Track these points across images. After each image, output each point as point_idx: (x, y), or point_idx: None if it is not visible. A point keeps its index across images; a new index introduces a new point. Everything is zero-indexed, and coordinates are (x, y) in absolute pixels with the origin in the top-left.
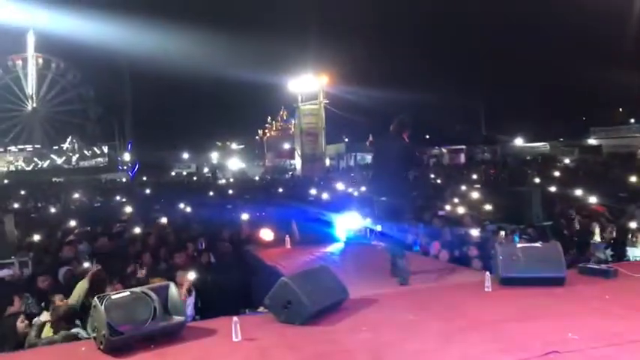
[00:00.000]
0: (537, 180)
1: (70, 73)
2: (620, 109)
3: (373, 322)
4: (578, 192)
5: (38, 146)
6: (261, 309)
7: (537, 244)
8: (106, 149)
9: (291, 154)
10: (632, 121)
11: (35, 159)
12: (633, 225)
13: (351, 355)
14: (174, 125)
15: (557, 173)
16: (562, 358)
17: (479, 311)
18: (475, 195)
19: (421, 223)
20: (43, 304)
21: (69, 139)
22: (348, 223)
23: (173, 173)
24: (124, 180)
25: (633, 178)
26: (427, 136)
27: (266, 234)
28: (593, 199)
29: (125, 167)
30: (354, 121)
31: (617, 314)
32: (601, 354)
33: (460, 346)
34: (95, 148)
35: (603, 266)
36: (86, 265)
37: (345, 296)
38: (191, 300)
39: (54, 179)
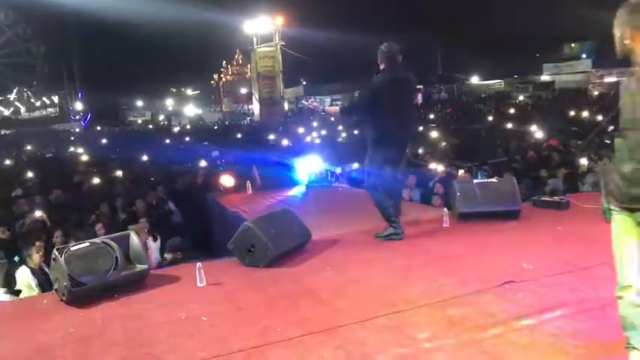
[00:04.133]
0: (492, 118)
1: (8, 14)
2: (572, 45)
3: (336, 261)
4: (533, 128)
5: None
6: None
7: (493, 180)
8: (56, 99)
9: (248, 99)
10: (584, 56)
11: None
12: (584, 161)
13: (314, 294)
14: (127, 73)
15: (512, 110)
16: (517, 286)
17: (438, 246)
18: (433, 134)
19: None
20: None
21: (16, 90)
22: (309, 167)
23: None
24: (77, 130)
25: (584, 113)
26: None
27: (226, 180)
28: (546, 135)
29: (77, 117)
30: (311, 63)
31: (569, 243)
32: (554, 281)
33: (421, 280)
34: (45, 98)
35: (556, 198)
36: (38, 214)
37: (308, 238)
38: (156, 246)
39: (3, 131)
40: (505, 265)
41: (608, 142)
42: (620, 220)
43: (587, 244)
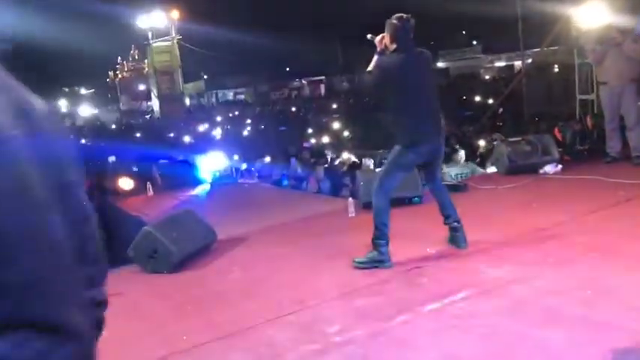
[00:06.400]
0: None
1: None
2: (464, 32)
3: (243, 260)
4: None
5: None
6: None
7: None
8: None
9: (147, 96)
10: (474, 43)
11: None
12: (482, 143)
13: (221, 296)
14: (12, 73)
15: None
16: (422, 272)
17: (344, 237)
18: (336, 125)
19: (288, 156)
20: None
21: None
22: (212, 164)
23: None
24: None
25: (477, 97)
26: (287, 69)
27: (125, 183)
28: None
29: None
30: (212, 56)
31: (467, 225)
32: (455, 264)
33: (328, 273)
34: None
35: (454, 182)
36: None
37: (213, 238)
38: None
39: None
40: (409, 251)
41: (500, 124)
42: None
43: (485, 225)
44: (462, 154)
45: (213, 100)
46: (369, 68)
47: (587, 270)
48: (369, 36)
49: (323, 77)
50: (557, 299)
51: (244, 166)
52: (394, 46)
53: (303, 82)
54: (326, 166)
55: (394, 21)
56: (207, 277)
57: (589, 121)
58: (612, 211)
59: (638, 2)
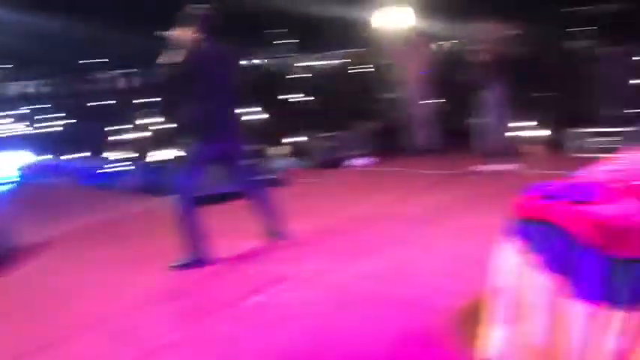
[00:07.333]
0: None
1: None
2: (280, 30)
3: (49, 267)
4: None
5: None
6: None
7: None
8: None
9: None
10: (290, 41)
11: None
12: (293, 139)
13: (30, 307)
14: None
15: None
16: (245, 266)
17: (158, 238)
18: (153, 119)
19: (101, 151)
20: None
21: None
22: (14, 161)
23: None
24: None
25: (290, 95)
26: (98, 60)
27: None
28: None
29: None
30: (18, 44)
31: (284, 218)
32: (279, 255)
33: (142, 276)
34: None
35: (268, 176)
36: None
37: (8, 245)
38: None
39: None
40: (230, 247)
41: (311, 121)
42: None
43: (297, 218)
44: (272, 150)
45: (16, 91)
46: (161, 61)
47: (393, 255)
48: (160, 33)
49: (136, 70)
50: (371, 282)
51: (52, 162)
52: (196, 36)
53: (115, 73)
54: (142, 162)
55: (198, 12)
56: (11, 286)
57: (393, 119)
58: (412, 199)
59: (437, 8)
